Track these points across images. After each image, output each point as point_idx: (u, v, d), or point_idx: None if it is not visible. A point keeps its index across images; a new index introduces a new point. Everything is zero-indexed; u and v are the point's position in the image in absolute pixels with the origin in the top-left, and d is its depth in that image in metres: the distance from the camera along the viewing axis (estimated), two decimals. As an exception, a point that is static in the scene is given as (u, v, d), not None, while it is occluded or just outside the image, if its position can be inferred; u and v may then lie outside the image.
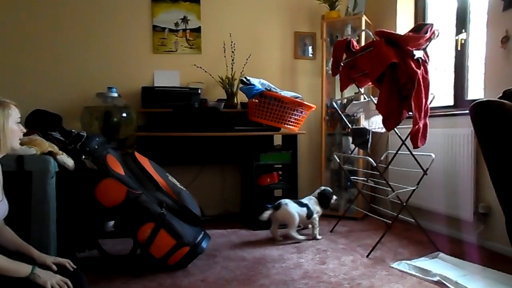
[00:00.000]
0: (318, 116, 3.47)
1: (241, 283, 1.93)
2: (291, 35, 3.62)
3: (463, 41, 2.71)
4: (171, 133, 2.84)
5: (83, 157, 2.04)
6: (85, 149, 2.04)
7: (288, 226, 2.64)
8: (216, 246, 2.53)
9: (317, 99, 3.44)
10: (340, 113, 3.05)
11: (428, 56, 2.27)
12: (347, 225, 3.05)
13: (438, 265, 2.10)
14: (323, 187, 2.85)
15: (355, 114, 3.01)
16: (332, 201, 2.81)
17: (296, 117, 2.97)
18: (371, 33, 2.73)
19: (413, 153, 2.42)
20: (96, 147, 2.08)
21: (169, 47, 3.35)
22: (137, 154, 2.29)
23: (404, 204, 2.44)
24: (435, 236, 2.58)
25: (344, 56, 2.61)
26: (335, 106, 3.09)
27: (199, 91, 3.14)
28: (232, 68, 3.26)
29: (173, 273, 2.05)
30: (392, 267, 2.11)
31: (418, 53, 2.18)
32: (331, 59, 2.72)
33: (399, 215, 2.43)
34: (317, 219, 2.74)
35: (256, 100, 2.89)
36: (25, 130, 1.41)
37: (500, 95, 1.67)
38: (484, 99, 1.50)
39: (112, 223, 2.36)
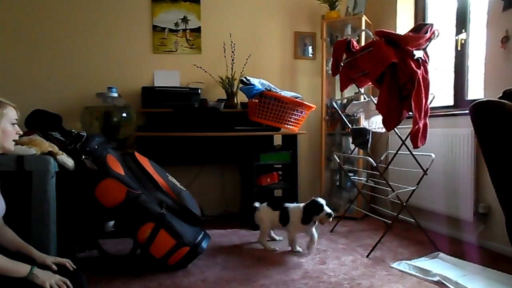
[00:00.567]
0: (318, 116, 3.47)
1: (241, 283, 1.92)
2: (291, 35, 3.62)
3: (463, 41, 2.71)
4: (171, 133, 2.84)
5: (83, 157, 2.04)
6: (85, 149, 2.04)
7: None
8: (216, 246, 2.53)
9: (317, 99, 3.44)
10: (340, 113, 3.05)
11: (428, 56, 2.27)
12: (347, 225, 3.05)
13: (438, 265, 2.10)
14: (313, 198, 2.36)
15: (355, 114, 3.01)
16: (317, 218, 2.28)
17: (296, 117, 2.97)
18: (371, 33, 2.73)
19: (413, 153, 2.42)
20: (96, 147, 2.08)
21: (169, 47, 3.35)
22: (137, 154, 2.29)
23: (404, 204, 2.44)
24: (435, 236, 2.58)
25: (344, 56, 2.61)
26: (335, 106, 3.09)
27: (199, 91, 3.14)
28: (232, 68, 3.26)
29: (173, 273, 2.05)
30: (392, 267, 2.11)
31: (418, 53, 2.18)
32: (331, 59, 2.72)
33: (399, 215, 2.43)
34: (292, 230, 2.38)
35: (256, 100, 2.89)
36: (21, 132, 1.40)
37: (500, 95, 1.67)
38: (484, 99, 1.50)
39: (112, 223, 2.36)
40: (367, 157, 2.67)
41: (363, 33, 3.17)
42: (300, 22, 3.64)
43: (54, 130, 2.32)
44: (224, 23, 3.42)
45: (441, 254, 2.25)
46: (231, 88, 3.23)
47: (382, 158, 2.94)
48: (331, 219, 2.27)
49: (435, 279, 1.91)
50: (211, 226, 2.93)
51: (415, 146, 2.25)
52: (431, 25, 2.24)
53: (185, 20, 3.36)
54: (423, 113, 2.21)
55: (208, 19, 3.40)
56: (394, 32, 2.34)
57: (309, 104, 2.99)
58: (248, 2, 3.50)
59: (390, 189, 2.45)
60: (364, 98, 2.76)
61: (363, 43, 3.08)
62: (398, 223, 2.64)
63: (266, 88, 2.93)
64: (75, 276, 1.31)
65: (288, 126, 2.96)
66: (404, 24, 3.29)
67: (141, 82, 3.23)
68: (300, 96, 3.06)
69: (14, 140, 1.37)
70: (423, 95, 2.17)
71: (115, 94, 2.94)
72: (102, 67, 3.22)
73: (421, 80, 2.15)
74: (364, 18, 3.22)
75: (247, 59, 3.34)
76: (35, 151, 1.79)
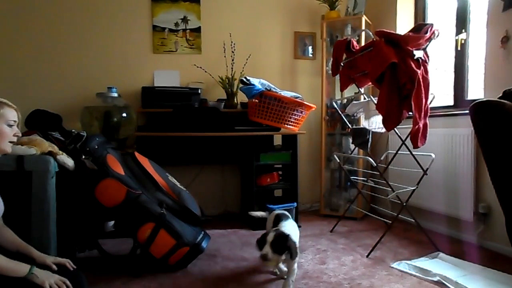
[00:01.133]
0: (318, 116, 3.47)
1: (241, 283, 1.92)
2: (291, 35, 3.62)
3: (463, 41, 2.71)
4: (171, 133, 2.84)
5: (83, 157, 2.04)
6: (85, 149, 2.04)
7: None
8: (216, 246, 2.53)
9: (317, 99, 3.44)
10: (340, 113, 3.05)
11: (428, 56, 2.27)
12: (347, 225, 3.05)
13: (438, 265, 2.10)
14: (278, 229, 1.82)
15: (355, 114, 3.01)
16: (268, 254, 1.68)
17: (296, 117, 2.97)
18: (371, 33, 2.73)
19: (413, 153, 2.42)
20: (96, 147, 2.08)
21: (169, 47, 3.35)
22: (137, 154, 2.29)
23: (404, 204, 2.44)
24: (435, 236, 2.58)
25: (344, 56, 2.61)
26: (335, 106, 3.09)
27: (199, 91, 3.14)
28: (232, 68, 3.26)
29: (173, 273, 2.05)
30: (392, 267, 2.11)
31: (418, 53, 2.18)
32: (331, 59, 2.72)
33: (399, 215, 2.43)
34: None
35: (256, 100, 2.89)
36: (19, 134, 1.38)
37: (500, 95, 1.67)
38: (484, 99, 1.50)
39: (112, 223, 2.37)
40: (367, 157, 2.66)
41: (363, 33, 3.17)
42: (300, 22, 3.64)
43: (54, 130, 2.32)
44: (224, 23, 3.42)
45: (441, 254, 2.25)
46: (231, 88, 3.23)
47: (382, 158, 2.94)
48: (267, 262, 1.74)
49: (435, 279, 1.91)
50: (211, 226, 2.93)
51: (415, 146, 2.25)
52: (431, 25, 2.24)
53: (185, 20, 3.36)
54: (423, 113, 2.21)
55: (208, 19, 3.40)
56: (394, 32, 2.34)
57: (309, 104, 2.99)
58: (248, 2, 3.50)
59: (390, 189, 2.45)
60: (364, 98, 2.76)
61: (363, 43, 3.08)
62: (398, 223, 2.64)
63: (266, 88, 2.93)
64: (75, 276, 1.31)
65: (288, 126, 2.96)
66: (404, 24, 3.29)
67: (141, 82, 3.23)
68: (300, 96, 3.06)
69: (11, 142, 1.35)
70: (423, 95, 2.17)
71: (115, 94, 2.94)
72: (102, 67, 3.22)
73: (421, 80, 2.15)
74: (364, 18, 3.22)
75: (247, 59, 3.34)
76: (35, 151, 1.79)
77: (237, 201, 3.48)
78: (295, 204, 3.00)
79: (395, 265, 2.13)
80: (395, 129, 2.29)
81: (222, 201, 3.46)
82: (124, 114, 2.93)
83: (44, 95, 3.08)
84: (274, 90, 2.98)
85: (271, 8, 3.56)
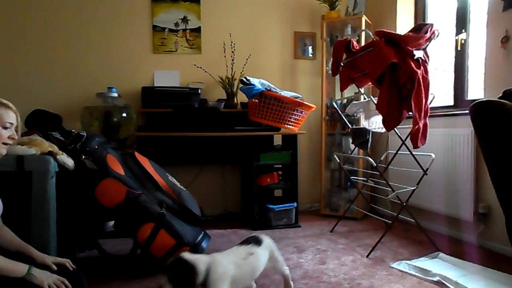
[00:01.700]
0: (318, 116, 3.47)
1: (241, 283, 1.92)
2: (291, 35, 3.62)
3: (463, 41, 2.71)
4: (171, 133, 2.84)
5: (83, 157, 2.04)
6: (85, 149, 2.04)
7: None
8: (216, 246, 2.53)
9: (317, 99, 3.44)
10: (340, 113, 3.05)
11: (428, 56, 2.27)
12: (347, 225, 3.05)
13: (438, 265, 2.10)
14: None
15: (355, 114, 3.01)
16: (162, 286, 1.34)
17: (296, 117, 2.97)
18: (371, 33, 2.73)
19: (413, 153, 2.42)
20: (96, 147, 2.08)
21: (169, 47, 3.35)
22: (137, 154, 2.29)
23: (404, 204, 2.44)
24: (435, 236, 2.58)
25: (344, 56, 2.61)
26: (335, 106, 3.09)
27: (199, 91, 3.14)
28: (232, 68, 3.26)
29: (173, 273, 2.04)
30: (392, 267, 2.11)
31: (418, 53, 2.18)
32: (331, 59, 2.72)
33: (399, 215, 2.43)
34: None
35: (256, 100, 2.89)
36: (15, 137, 1.32)
37: (500, 95, 1.67)
38: (484, 99, 1.50)
39: (112, 223, 2.37)
40: (367, 157, 2.66)
41: (363, 33, 3.17)
42: (300, 22, 3.64)
43: (54, 130, 2.32)
44: (224, 23, 3.42)
45: (441, 254, 2.25)
46: (231, 88, 3.23)
47: (382, 158, 2.94)
48: None
49: (435, 279, 1.91)
50: (211, 226, 2.93)
51: (415, 146, 2.25)
52: (431, 25, 2.24)
53: (185, 20, 3.36)
54: (423, 113, 2.21)
55: (208, 19, 3.40)
56: (394, 32, 2.34)
57: (309, 104, 2.99)
58: (248, 2, 3.50)
59: (390, 189, 2.45)
60: (364, 98, 2.76)
61: (363, 43, 3.08)
62: (398, 223, 2.64)
63: (266, 88, 2.93)
64: (74, 276, 1.30)
65: (288, 126, 2.96)
66: (404, 24, 3.29)
67: (141, 82, 3.23)
68: (300, 96, 3.06)
69: (6, 144, 1.30)
70: (423, 95, 2.17)
71: (115, 94, 2.94)
72: (102, 67, 3.21)
73: (421, 80, 2.15)
74: (364, 18, 3.22)
75: (247, 59, 3.34)
76: (35, 151, 1.79)
77: (237, 201, 3.48)
78: (295, 204, 3.00)
79: (395, 265, 2.13)
80: (395, 129, 2.29)
81: (222, 201, 3.46)
82: (124, 114, 2.93)
83: (44, 95, 3.08)
84: (274, 90, 2.98)
85: (271, 8, 3.56)
